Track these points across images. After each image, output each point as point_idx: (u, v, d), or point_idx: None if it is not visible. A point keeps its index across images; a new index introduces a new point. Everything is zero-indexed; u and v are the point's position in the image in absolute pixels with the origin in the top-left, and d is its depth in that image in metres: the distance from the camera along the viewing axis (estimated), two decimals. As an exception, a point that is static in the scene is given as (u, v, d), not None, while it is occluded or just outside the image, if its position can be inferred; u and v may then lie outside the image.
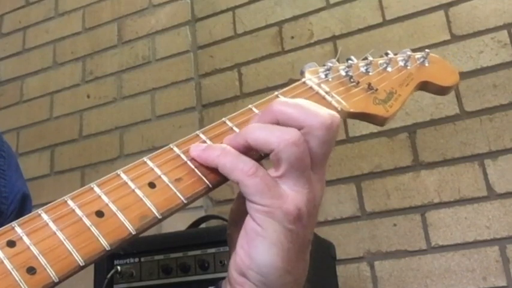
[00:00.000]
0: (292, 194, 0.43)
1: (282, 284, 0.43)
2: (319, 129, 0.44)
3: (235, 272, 0.44)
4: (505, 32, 1.58)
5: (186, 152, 0.45)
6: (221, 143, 0.46)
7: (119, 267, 1.31)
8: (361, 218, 1.60)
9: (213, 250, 1.25)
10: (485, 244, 1.45)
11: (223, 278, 0.49)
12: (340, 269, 1.53)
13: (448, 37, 1.64)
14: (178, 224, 1.46)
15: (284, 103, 0.45)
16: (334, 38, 1.79)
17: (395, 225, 1.56)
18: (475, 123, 1.55)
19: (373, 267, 1.55)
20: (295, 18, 1.87)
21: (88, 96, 2.14)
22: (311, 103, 0.46)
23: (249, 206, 0.43)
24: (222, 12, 2.00)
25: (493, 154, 1.51)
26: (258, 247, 0.42)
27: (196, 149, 0.45)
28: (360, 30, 1.76)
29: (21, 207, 0.68)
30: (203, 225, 1.58)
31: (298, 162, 0.42)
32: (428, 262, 1.49)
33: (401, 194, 1.57)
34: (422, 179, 1.56)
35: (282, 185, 0.43)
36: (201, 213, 1.69)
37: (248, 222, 0.43)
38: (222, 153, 0.43)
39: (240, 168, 0.42)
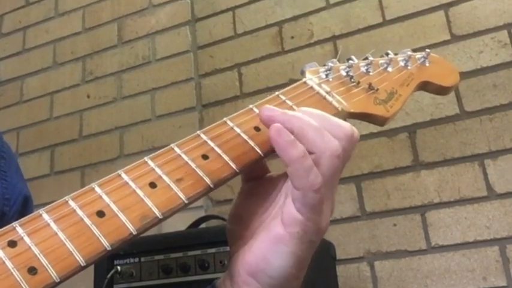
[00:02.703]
0: (327, 213, 0.44)
1: (288, 287, 0.44)
2: (345, 140, 0.45)
3: (244, 271, 0.44)
4: (505, 32, 1.58)
5: (187, 152, 0.44)
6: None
7: (119, 267, 1.31)
8: (361, 218, 1.60)
9: (213, 250, 1.25)
10: (485, 244, 1.45)
11: None
12: (340, 269, 1.53)
13: (448, 37, 1.64)
14: (178, 224, 1.46)
15: (307, 123, 0.44)
16: (334, 38, 1.79)
17: (395, 225, 1.56)
18: (475, 123, 1.55)
19: (373, 267, 1.55)
20: (295, 18, 1.87)
21: (88, 96, 2.14)
22: (330, 124, 0.45)
23: (290, 214, 0.42)
24: (222, 12, 2.00)
25: (493, 154, 1.51)
26: (278, 254, 0.42)
27: (282, 137, 0.42)
28: (360, 30, 1.76)
29: (23, 209, 0.68)
30: (203, 225, 1.58)
31: (337, 175, 0.44)
32: (428, 262, 1.49)
33: (401, 194, 1.58)
34: (422, 179, 1.56)
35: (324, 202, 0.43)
36: (201, 213, 1.69)
37: (276, 227, 0.43)
38: (301, 158, 0.42)
39: (309, 179, 0.42)
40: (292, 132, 0.43)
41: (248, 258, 0.44)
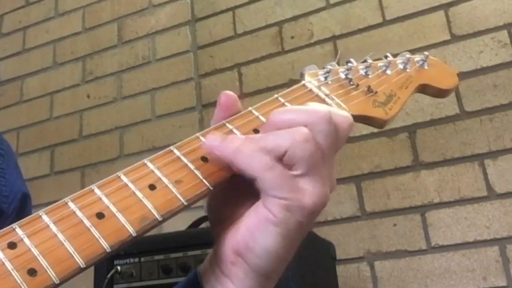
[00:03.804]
0: (310, 189, 0.43)
1: (274, 270, 0.44)
2: (321, 123, 0.44)
3: (231, 251, 0.44)
4: (505, 32, 1.58)
5: (186, 154, 0.45)
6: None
7: (119, 267, 1.31)
8: (361, 218, 1.60)
9: (213, 250, 1.25)
10: (485, 244, 1.46)
11: None
12: (340, 269, 1.53)
13: (448, 37, 1.64)
14: (178, 224, 1.46)
15: (282, 111, 0.46)
16: (334, 38, 1.79)
17: (395, 225, 1.56)
18: (475, 123, 1.55)
19: (373, 267, 1.55)
20: (295, 18, 1.87)
21: (88, 96, 2.14)
22: (308, 104, 0.47)
23: (267, 200, 0.42)
24: (222, 12, 2.00)
25: (493, 154, 1.51)
26: (266, 234, 0.42)
27: (213, 141, 0.44)
28: (360, 30, 1.76)
29: (22, 206, 0.68)
30: (203, 225, 1.58)
31: (312, 158, 0.43)
32: (428, 262, 1.50)
33: (401, 194, 1.58)
34: (422, 179, 1.57)
35: (300, 181, 0.43)
36: (201, 213, 1.69)
37: (261, 209, 0.43)
38: (237, 149, 0.43)
39: (256, 163, 0.42)
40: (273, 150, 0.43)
41: (236, 238, 0.44)
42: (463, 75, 1.55)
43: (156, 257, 1.30)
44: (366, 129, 1.65)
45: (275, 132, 0.44)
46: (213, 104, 1.90)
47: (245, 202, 0.46)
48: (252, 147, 0.43)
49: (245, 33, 1.93)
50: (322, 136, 0.44)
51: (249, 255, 0.43)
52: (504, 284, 1.41)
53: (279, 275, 0.45)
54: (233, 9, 1.98)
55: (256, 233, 0.43)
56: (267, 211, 0.42)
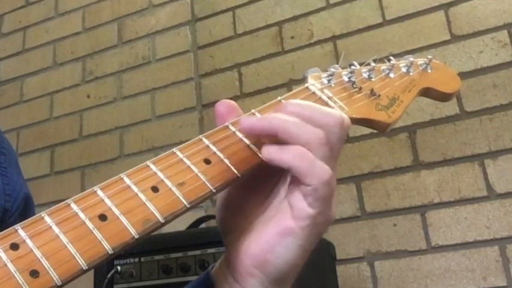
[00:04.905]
0: (333, 200, 0.44)
1: (290, 277, 0.45)
2: (335, 127, 0.45)
3: (249, 262, 0.44)
4: (505, 32, 1.58)
5: (189, 156, 0.45)
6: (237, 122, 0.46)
7: (119, 267, 1.31)
8: (361, 218, 1.60)
9: (213, 250, 1.26)
10: (485, 244, 1.46)
11: None
12: (340, 269, 1.53)
13: (448, 37, 1.64)
14: (178, 224, 1.46)
15: (297, 105, 0.46)
16: (334, 38, 1.79)
17: (395, 225, 1.56)
18: (475, 123, 1.55)
19: (373, 267, 1.55)
20: (295, 18, 1.87)
21: (88, 96, 2.14)
22: (318, 105, 0.47)
23: (302, 209, 0.43)
24: (222, 12, 2.00)
25: (493, 154, 1.51)
26: (287, 247, 0.43)
27: (270, 148, 0.44)
28: (360, 30, 1.76)
29: (25, 207, 0.68)
30: (203, 225, 1.58)
31: (326, 161, 0.43)
32: (428, 262, 1.50)
33: (401, 194, 1.58)
34: (422, 179, 1.57)
35: None
36: (201, 213, 1.69)
37: (285, 220, 0.43)
38: (299, 156, 0.42)
39: (317, 173, 0.42)
40: (277, 134, 0.43)
41: (254, 251, 0.44)
42: (463, 75, 1.55)
43: (156, 257, 1.30)
44: (366, 129, 1.64)
45: (298, 123, 0.44)
46: (213, 104, 1.89)
47: (253, 211, 0.46)
48: (312, 157, 0.43)
49: (245, 33, 1.93)
50: (335, 139, 0.45)
51: (268, 268, 0.43)
52: (504, 284, 1.41)
53: (292, 279, 0.46)
54: (233, 9, 1.98)
55: (276, 247, 0.43)
56: (292, 222, 0.43)
